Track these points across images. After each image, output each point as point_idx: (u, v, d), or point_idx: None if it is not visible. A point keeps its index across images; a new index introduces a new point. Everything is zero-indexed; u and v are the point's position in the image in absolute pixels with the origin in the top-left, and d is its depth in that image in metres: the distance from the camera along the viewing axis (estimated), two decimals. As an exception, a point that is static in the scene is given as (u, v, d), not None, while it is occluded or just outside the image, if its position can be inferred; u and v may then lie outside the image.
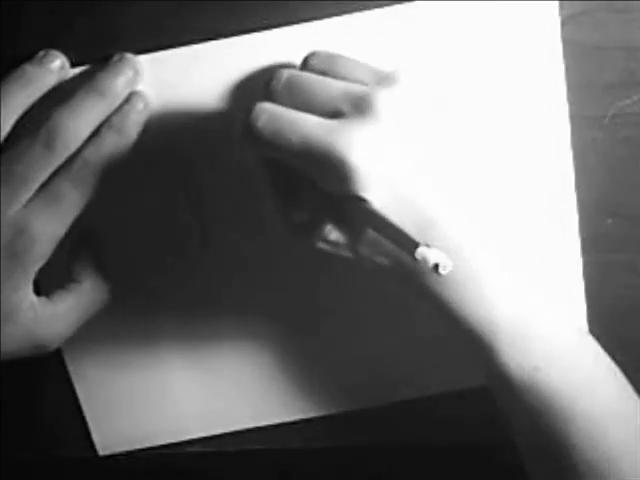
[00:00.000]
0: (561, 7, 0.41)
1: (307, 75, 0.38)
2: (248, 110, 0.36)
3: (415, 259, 0.34)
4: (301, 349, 0.47)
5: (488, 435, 0.47)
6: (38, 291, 0.40)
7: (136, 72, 0.40)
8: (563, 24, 0.41)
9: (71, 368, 0.46)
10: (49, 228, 0.38)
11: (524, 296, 0.37)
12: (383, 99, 0.35)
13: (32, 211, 0.38)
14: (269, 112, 0.36)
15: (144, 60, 0.40)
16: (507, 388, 0.38)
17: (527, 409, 0.38)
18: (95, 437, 0.48)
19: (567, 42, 0.42)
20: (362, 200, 0.35)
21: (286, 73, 0.37)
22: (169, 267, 0.45)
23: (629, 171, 0.45)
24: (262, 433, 0.49)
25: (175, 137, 0.41)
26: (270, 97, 0.37)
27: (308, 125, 0.35)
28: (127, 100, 0.40)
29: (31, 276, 0.39)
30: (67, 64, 0.40)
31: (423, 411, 0.49)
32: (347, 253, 0.38)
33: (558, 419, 0.37)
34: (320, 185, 0.36)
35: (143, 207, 0.43)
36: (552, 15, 0.41)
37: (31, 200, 0.38)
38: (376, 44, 0.40)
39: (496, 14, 0.40)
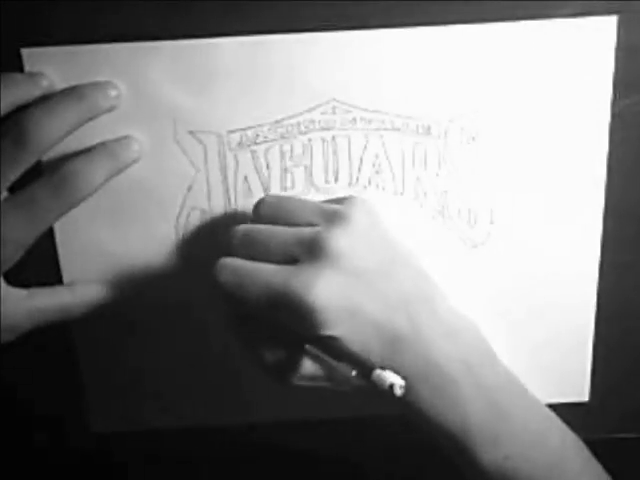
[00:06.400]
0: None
1: (260, 227, 0.39)
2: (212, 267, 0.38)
3: (371, 382, 0.37)
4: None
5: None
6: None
7: (118, 93, 0.41)
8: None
9: (78, 341, 0.46)
10: (17, 233, 0.38)
11: (494, 397, 0.40)
12: (332, 239, 0.37)
13: (3, 211, 0.38)
14: (230, 266, 0.38)
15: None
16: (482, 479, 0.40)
17: None
18: (91, 413, 0.48)
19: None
20: (331, 337, 0.37)
21: (241, 229, 0.39)
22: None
23: (629, 171, 0.45)
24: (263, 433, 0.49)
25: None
26: (230, 253, 0.39)
27: (266, 274, 0.37)
28: (126, 136, 0.41)
29: None
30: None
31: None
32: (324, 383, 0.39)
33: None
34: (290, 327, 0.38)
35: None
36: (609, 31, 0.41)
37: (5, 201, 0.38)
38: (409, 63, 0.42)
39: (555, 31, 0.41)
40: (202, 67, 0.41)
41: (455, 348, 0.39)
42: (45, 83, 0.39)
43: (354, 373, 0.37)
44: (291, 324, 0.37)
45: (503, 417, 0.40)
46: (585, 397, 0.48)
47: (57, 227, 0.43)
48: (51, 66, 0.40)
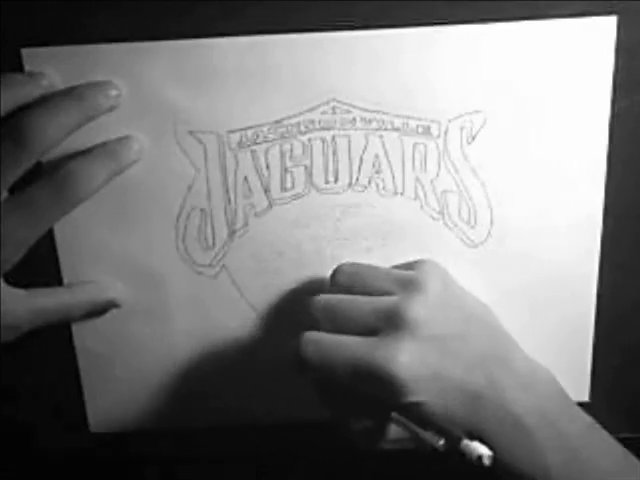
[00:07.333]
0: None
1: (340, 298, 0.41)
2: (297, 342, 0.39)
3: (460, 451, 0.37)
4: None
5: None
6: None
7: (119, 93, 0.41)
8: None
9: (77, 341, 0.46)
10: (17, 233, 0.38)
11: (572, 443, 0.40)
12: (410, 310, 0.38)
13: (3, 212, 0.38)
14: (315, 340, 0.39)
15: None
16: None
17: None
18: (89, 413, 0.48)
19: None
20: (417, 404, 0.38)
21: (322, 300, 0.41)
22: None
23: (629, 171, 0.45)
24: (263, 433, 0.49)
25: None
26: (313, 323, 0.40)
27: (351, 347, 0.38)
28: (126, 136, 0.41)
29: None
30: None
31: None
32: (411, 445, 0.40)
33: None
34: (375, 396, 0.39)
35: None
36: (609, 31, 0.42)
37: (5, 202, 0.38)
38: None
39: (555, 31, 0.41)
40: (202, 67, 0.41)
41: (532, 399, 0.40)
42: (45, 82, 0.40)
43: (442, 442, 0.38)
44: (376, 394, 0.38)
45: (583, 461, 0.40)
46: (585, 397, 0.48)
47: (57, 227, 0.43)
48: (51, 66, 0.40)
